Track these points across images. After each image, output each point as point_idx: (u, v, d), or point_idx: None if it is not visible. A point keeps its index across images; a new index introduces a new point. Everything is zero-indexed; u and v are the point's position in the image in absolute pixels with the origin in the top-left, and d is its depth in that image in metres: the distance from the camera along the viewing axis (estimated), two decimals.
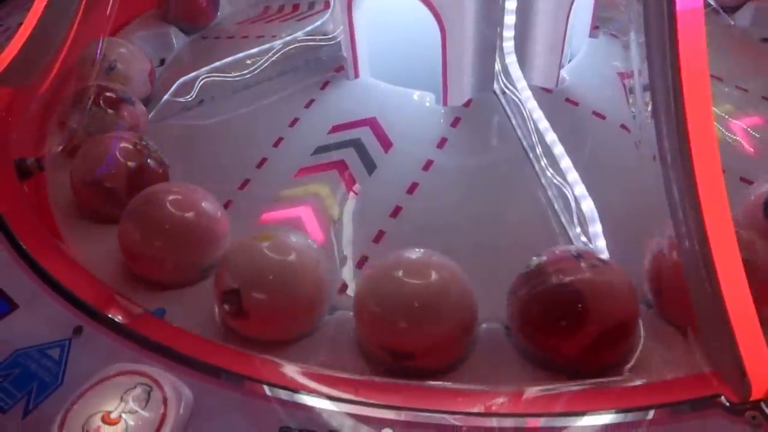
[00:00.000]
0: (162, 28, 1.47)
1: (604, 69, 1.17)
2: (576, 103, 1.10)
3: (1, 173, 1.05)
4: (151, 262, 0.87)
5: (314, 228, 0.97)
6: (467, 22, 1.01)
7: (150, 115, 1.24)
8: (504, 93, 1.10)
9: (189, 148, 1.18)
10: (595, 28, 1.25)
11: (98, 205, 0.99)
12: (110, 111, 1.10)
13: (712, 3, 1.42)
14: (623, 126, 1.05)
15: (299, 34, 1.26)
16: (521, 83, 1.06)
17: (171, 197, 0.88)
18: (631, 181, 0.95)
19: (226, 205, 1.03)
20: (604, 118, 1.08)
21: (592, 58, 1.19)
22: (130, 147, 0.99)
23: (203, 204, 0.90)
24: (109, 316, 0.77)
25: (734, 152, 1.04)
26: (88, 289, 0.88)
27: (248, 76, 1.25)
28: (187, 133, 1.21)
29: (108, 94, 1.12)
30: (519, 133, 1.05)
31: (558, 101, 1.10)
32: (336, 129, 1.10)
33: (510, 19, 1.03)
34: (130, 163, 0.98)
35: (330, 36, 1.25)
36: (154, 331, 0.76)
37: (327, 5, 1.42)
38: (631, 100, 1.03)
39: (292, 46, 1.25)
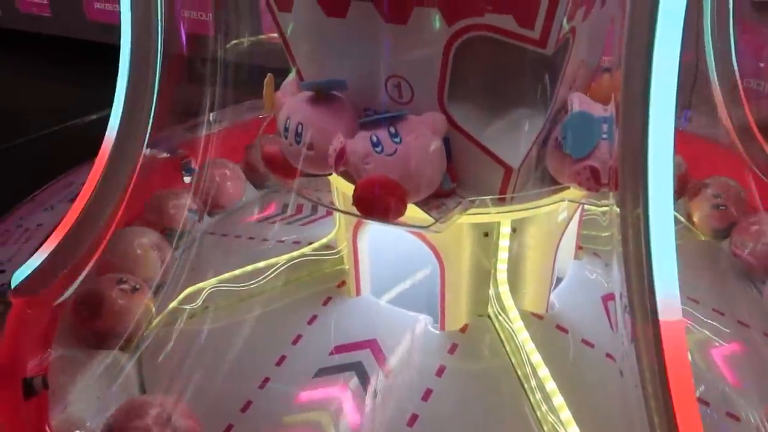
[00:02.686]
0: None
1: (589, 291, 1.26)
2: (566, 330, 1.16)
3: (6, 392, 1.07)
4: None
5: None
6: (464, 259, 1.10)
7: (155, 321, 1.29)
8: (498, 317, 1.17)
9: (192, 358, 1.21)
10: (579, 248, 1.35)
11: None
12: None
13: (683, 219, 1.56)
14: (609, 355, 1.11)
15: (306, 250, 1.34)
16: (513, 313, 1.13)
17: None
18: (620, 413, 0.99)
19: None
20: (592, 346, 1.14)
21: (577, 281, 1.28)
22: None
23: None
24: None
25: (717, 385, 1.09)
26: None
27: (253, 286, 1.32)
28: (191, 342, 1.24)
29: None
30: (513, 361, 1.11)
31: (549, 328, 1.16)
32: (338, 350, 1.14)
33: (503, 254, 1.12)
34: None
35: (333, 251, 1.34)
36: None
37: (329, 213, 1.54)
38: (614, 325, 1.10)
39: (298, 260, 1.33)
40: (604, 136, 0.95)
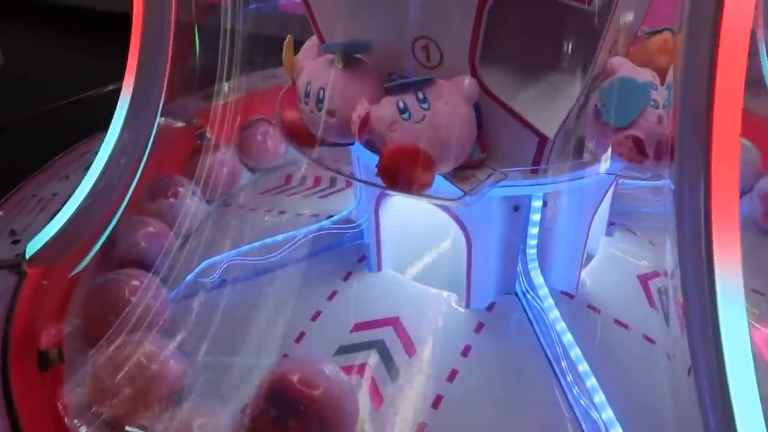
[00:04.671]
0: None
1: (623, 270, 1.20)
2: (598, 310, 1.11)
3: (22, 364, 1.04)
4: None
5: None
6: (493, 235, 1.05)
7: (171, 294, 1.25)
8: (526, 295, 1.12)
9: (207, 332, 1.18)
10: (611, 224, 1.29)
11: None
12: None
13: None
14: (646, 337, 1.06)
15: (326, 223, 1.30)
16: (543, 290, 1.07)
17: None
18: (662, 400, 0.94)
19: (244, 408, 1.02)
20: (626, 327, 1.08)
21: (610, 259, 1.21)
22: None
23: None
24: None
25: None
26: None
27: (272, 259, 1.27)
28: (207, 315, 1.21)
29: None
30: (542, 341, 1.05)
31: (580, 308, 1.11)
32: (359, 327, 1.10)
33: (534, 229, 1.07)
34: None
35: (353, 224, 1.29)
36: None
37: (348, 184, 1.48)
38: (658, 306, 1.05)
39: (317, 234, 1.28)
40: (652, 103, 0.88)
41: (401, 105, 0.87)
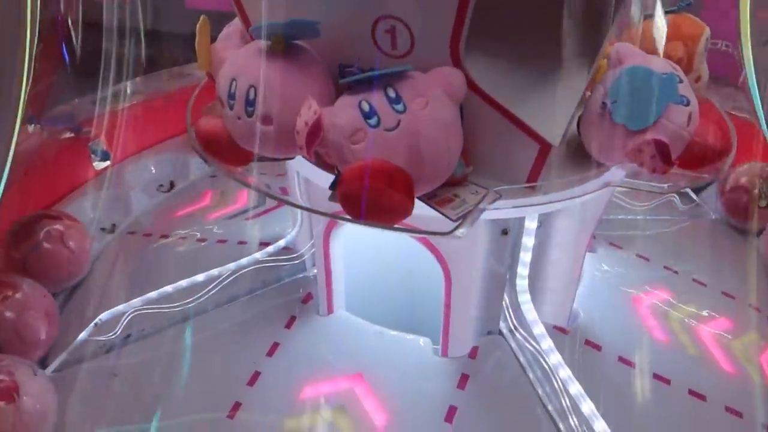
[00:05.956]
0: None
1: (617, 295, 1.03)
2: (598, 347, 0.93)
3: None
4: None
5: None
6: (476, 265, 0.84)
7: (55, 364, 0.95)
8: (513, 334, 0.92)
9: (109, 405, 0.90)
10: (592, 238, 1.12)
11: None
12: None
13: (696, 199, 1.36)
14: (658, 376, 0.90)
15: (258, 255, 1.04)
16: (538, 329, 0.88)
17: None
18: None
19: None
20: (632, 365, 0.91)
21: (599, 282, 1.05)
22: None
23: None
24: None
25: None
26: None
27: (192, 304, 1.01)
28: (104, 385, 0.93)
29: None
30: (540, 391, 0.86)
31: (578, 346, 0.93)
32: (311, 390, 0.86)
33: (527, 255, 0.87)
34: None
35: (294, 254, 1.05)
36: None
37: (279, 204, 1.24)
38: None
39: (248, 269, 1.03)
40: (680, 98, 0.70)
41: (366, 107, 0.64)
